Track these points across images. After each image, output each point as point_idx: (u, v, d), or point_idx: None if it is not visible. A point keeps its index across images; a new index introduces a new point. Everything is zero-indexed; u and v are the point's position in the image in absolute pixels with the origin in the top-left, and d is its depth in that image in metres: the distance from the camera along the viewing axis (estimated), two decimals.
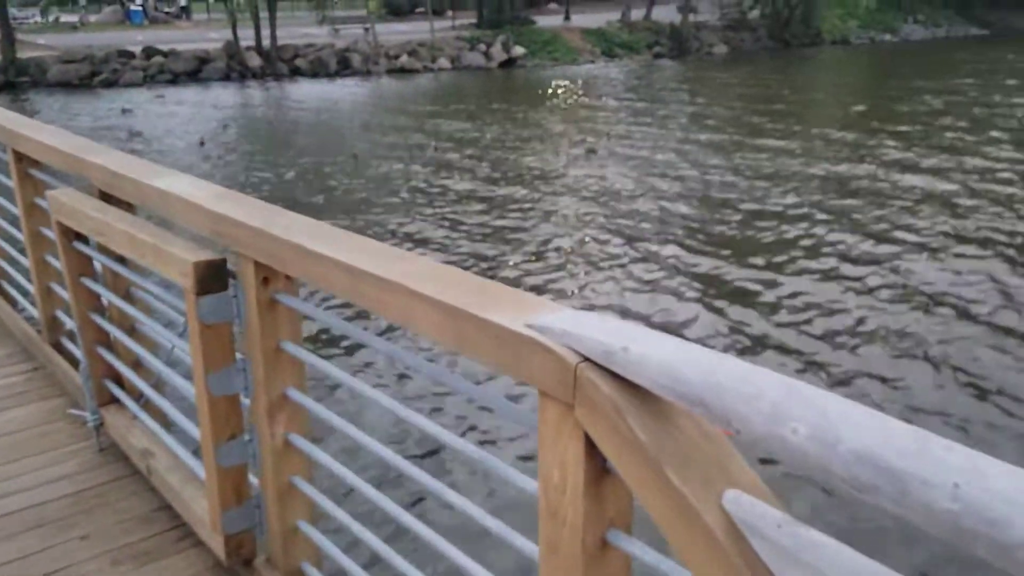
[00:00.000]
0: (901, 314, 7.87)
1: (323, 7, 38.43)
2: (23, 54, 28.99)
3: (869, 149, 16.05)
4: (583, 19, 40.31)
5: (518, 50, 35.09)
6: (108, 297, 2.49)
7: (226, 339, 1.93)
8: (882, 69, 32.96)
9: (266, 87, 28.75)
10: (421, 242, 10.45)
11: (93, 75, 28.47)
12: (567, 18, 41.63)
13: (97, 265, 2.54)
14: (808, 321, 7.82)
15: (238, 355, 1.96)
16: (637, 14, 40.12)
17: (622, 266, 9.46)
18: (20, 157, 3.09)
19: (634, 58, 36.51)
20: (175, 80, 29.28)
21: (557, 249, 10.16)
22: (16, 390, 3.17)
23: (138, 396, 2.53)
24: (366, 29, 34.25)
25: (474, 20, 40.15)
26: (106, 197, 2.41)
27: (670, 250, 10.03)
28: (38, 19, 44.15)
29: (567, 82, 29.06)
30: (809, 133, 18.14)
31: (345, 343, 7.06)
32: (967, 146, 16.21)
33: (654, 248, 10.12)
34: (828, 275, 9.05)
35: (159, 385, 2.50)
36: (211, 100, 25.51)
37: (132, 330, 2.48)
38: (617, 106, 23.22)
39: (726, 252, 9.93)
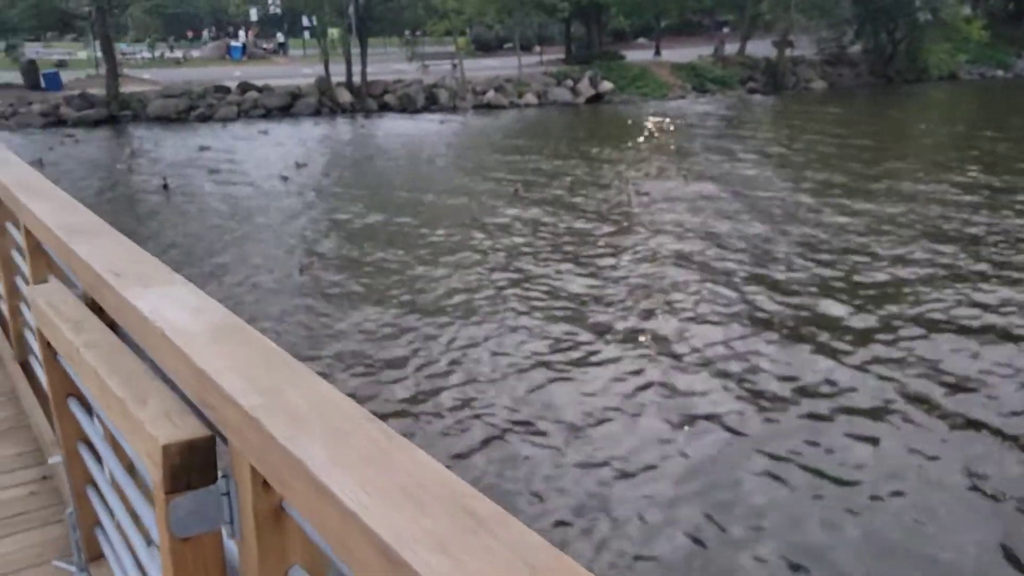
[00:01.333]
0: None
1: (413, 44, 38.81)
2: (128, 88, 30.05)
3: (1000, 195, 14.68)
4: (674, 54, 39.55)
5: (606, 85, 34.53)
6: (91, 434, 1.90)
7: (212, 557, 1.28)
8: (1001, 107, 30.96)
9: (355, 123, 28.94)
10: (488, 283, 9.83)
11: (190, 109, 29.24)
12: (657, 53, 40.96)
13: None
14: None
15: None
16: (731, 48, 39.12)
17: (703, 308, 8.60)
18: (28, 231, 2.57)
19: (727, 93, 35.45)
20: (268, 115, 29.80)
21: (634, 299, 9.38)
22: (14, 509, 2.61)
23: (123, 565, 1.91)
24: (454, 65, 34.35)
25: (562, 55, 39.88)
26: (94, 306, 1.82)
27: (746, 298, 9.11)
28: (146, 54, 46.07)
29: (655, 118, 28.29)
30: (923, 176, 16.82)
31: None
32: None
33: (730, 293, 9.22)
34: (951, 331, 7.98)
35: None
36: (301, 135, 25.77)
37: (115, 482, 1.87)
38: (704, 142, 22.29)
39: (803, 302, 8.95)
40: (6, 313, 3.73)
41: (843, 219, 13.05)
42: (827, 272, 10.34)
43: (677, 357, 7.76)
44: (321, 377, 1.17)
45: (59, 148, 22.61)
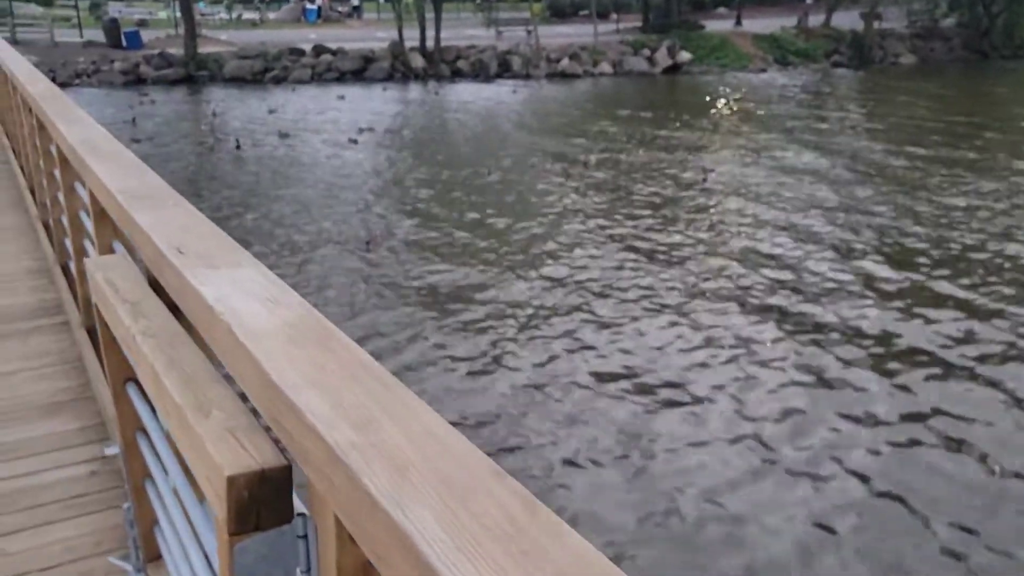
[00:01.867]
0: None
1: (488, 9, 38.29)
2: (205, 49, 30.36)
3: None
4: (755, 24, 38.11)
5: (684, 56, 33.51)
6: (149, 428, 1.69)
7: None
8: None
9: (427, 88, 28.71)
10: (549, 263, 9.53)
11: (265, 71, 29.42)
12: (738, 23, 39.53)
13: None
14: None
15: None
16: (815, 20, 37.54)
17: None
18: (94, 195, 2.38)
19: (809, 67, 34.08)
20: (341, 78, 29.77)
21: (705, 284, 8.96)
22: (73, 490, 2.46)
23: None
24: (528, 32, 33.75)
25: (639, 24, 38.87)
26: (156, 284, 1.60)
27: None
28: (223, 16, 46.59)
29: (733, 91, 27.32)
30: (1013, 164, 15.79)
31: None
32: None
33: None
34: None
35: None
36: (373, 99, 25.68)
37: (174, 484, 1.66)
38: (789, 116, 21.37)
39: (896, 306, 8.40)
40: (75, 275, 3.61)
41: (950, 200, 12.35)
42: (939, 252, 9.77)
43: (819, 343, 7.33)
44: (429, 406, 0.91)
45: (138, 107, 22.99)
